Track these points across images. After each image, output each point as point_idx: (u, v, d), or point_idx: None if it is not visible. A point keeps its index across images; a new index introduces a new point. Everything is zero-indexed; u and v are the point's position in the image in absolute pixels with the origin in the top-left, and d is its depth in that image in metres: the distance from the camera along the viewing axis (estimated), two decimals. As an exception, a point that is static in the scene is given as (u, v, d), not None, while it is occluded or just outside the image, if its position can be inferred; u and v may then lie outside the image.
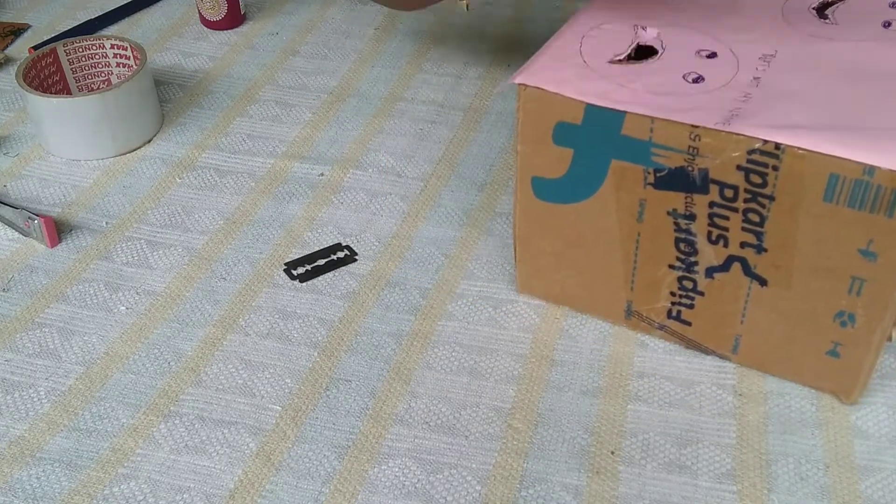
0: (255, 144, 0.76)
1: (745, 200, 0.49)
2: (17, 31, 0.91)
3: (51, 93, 0.76)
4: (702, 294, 0.54)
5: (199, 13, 0.92)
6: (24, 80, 0.73)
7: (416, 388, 0.55)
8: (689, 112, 0.49)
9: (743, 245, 0.50)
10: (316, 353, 0.58)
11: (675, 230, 0.52)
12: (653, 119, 0.49)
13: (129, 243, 0.66)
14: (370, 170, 0.73)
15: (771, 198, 0.48)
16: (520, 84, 0.52)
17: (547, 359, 0.57)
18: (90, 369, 0.57)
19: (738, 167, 0.48)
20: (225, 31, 0.92)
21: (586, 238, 0.55)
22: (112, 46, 0.79)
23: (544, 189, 0.55)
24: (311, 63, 0.87)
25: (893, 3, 0.58)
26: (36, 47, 0.86)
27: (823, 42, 0.55)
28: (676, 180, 0.50)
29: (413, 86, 0.84)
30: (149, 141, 0.77)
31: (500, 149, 0.75)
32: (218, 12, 0.91)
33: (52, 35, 0.90)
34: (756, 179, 0.48)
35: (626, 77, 0.52)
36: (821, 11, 0.58)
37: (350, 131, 0.78)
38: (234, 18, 0.92)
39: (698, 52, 0.53)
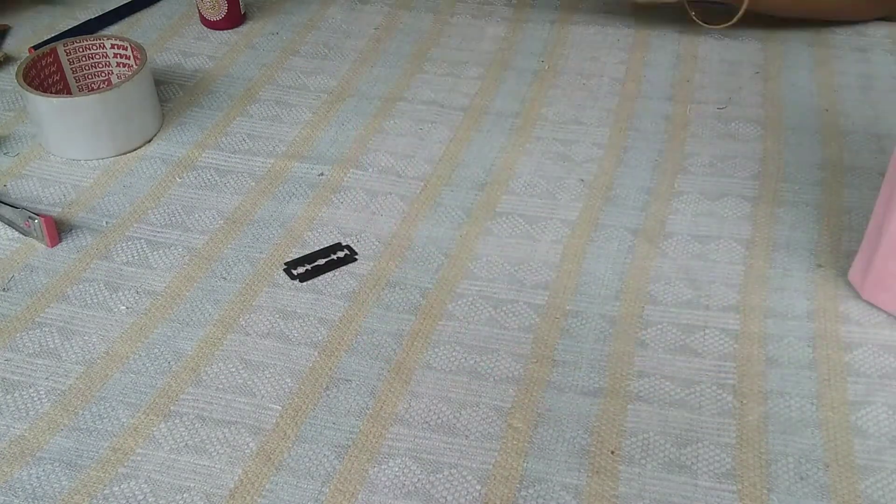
0: (255, 144, 0.76)
1: None
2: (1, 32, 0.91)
3: (51, 93, 0.76)
4: None
5: (199, 13, 0.92)
6: (24, 80, 0.73)
7: (416, 387, 0.55)
8: None
9: None
10: (316, 353, 0.58)
11: None
12: None
13: (129, 243, 0.66)
14: (370, 170, 0.73)
15: None
16: None
17: (547, 359, 0.57)
18: (90, 369, 0.57)
19: None
20: (225, 31, 0.92)
21: None
22: (112, 46, 0.79)
23: None
24: (311, 63, 0.87)
25: None
26: (36, 47, 0.86)
27: None
28: None
29: (413, 86, 0.84)
30: (149, 141, 0.77)
31: (499, 148, 0.75)
32: (218, 12, 0.91)
33: (52, 35, 0.90)
34: None
35: None
36: None
37: (350, 131, 0.78)
38: (234, 18, 0.92)
39: None
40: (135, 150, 0.76)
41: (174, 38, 0.91)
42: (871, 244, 0.59)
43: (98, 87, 0.81)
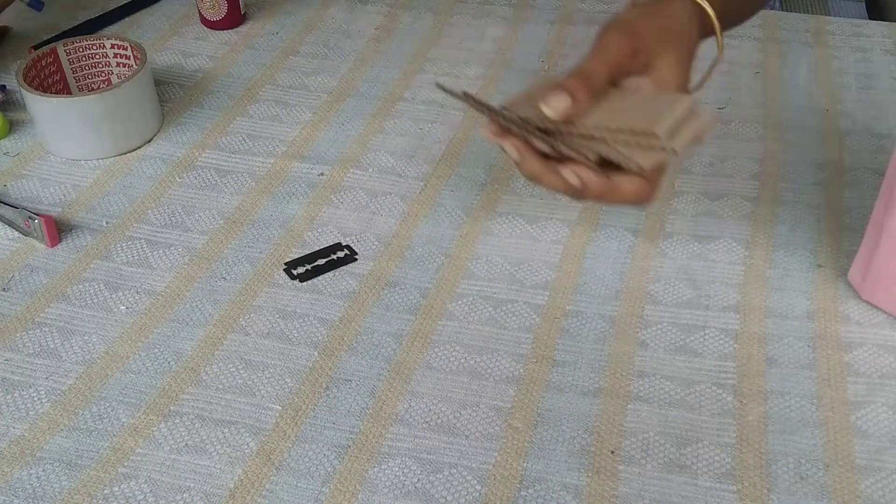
0: (255, 144, 0.76)
1: None
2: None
3: (51, 93, 0.76)
4: None
5: (199, 13, 0.92)
6: (24, 80, 0.73)
7: (416, 387, 0.55)
8: None
9: None
10: (316, 353, 0.58)
11: None
12: None
13: (129, 243, 0.66)
14: (370, 170, 0.73)
15: None
16: None
17: (547, 359, 0.57)
18: (90, 369, 0.57)
19: None
20: (225, 31, 0.92)
21: None
22: (112, 46, 0.79)
23: None
24: (311, 63, 0.87)
25: None
26: (36, 47, 0.86)
27: None
28: None
29: (413, 86, 0.84)
30: (149, 141, 0.77)
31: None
32: (218, 12, 0.91)
33: (52, 35, 0.90)
34: None
35: None
36: None
37: (350, 131, 0.78)
38: (234, 18, 0.92)
39: None
40: (135, 150, 0.76)
41: (174, 38, 0.91)
42: (870, 244, 0.59)
43: (98, 87, 0.81)
